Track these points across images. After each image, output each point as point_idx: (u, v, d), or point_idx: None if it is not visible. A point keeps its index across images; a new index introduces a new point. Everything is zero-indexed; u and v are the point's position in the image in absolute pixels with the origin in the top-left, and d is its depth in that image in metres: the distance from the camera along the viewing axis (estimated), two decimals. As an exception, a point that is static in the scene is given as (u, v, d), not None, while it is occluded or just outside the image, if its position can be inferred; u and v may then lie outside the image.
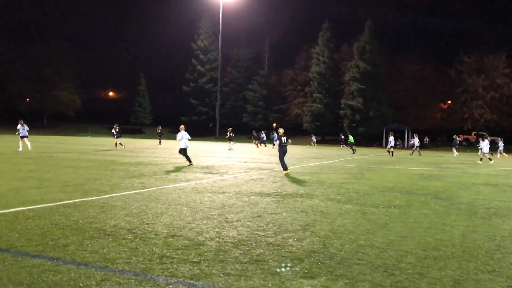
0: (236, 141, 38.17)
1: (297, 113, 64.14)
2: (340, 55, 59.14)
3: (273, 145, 30.68)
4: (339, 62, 58.49)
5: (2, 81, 70.78)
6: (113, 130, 26.97)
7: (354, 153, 28.31)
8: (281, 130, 12.96)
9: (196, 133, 41.55)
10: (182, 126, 15.62)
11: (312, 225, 5.90)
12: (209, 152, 24.60)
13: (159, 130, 32.47)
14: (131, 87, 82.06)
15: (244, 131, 62.42)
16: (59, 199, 7.57)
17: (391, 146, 25.13)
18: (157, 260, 4.33)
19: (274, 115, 66.03)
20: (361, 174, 13.78)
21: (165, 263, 4.24)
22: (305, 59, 65.23)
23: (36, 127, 71.08)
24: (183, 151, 14.87)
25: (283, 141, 12.79)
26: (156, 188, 9.05)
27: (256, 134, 39.14)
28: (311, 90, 60.19)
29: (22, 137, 20.59)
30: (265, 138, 36.72)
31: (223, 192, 8.57)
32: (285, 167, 12.67)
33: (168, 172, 12.45)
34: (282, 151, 12.85)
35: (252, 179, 11.09)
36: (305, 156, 24.24)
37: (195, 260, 4.36)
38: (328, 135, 57.61)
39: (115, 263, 4.21)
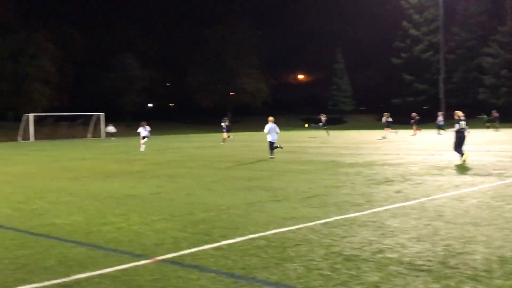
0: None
1: None
2: None
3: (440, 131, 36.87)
4: None
5: (181, 74, 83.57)
6: (222, 123, 32.56)
7: None
8: (459, 113, 15.14)
9: (418, 120, 40.29)
10: (270, 117, 18.66)
11: None
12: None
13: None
14: (325, 67, 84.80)
15: (479, 112, 55.15)
16: (313, 216, 7.77)
17: None
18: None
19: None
20: None
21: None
22: None
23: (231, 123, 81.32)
24: (270, 146, 18.23)
25: (461, 126, 15.06)
26: (424, 199, 9.01)
27: (416, 118, 40.42)
28: None
29: (144, 137, 27.23)
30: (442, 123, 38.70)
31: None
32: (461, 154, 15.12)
33: (419, 174, 12.73)
34: (459, 138, 15.16)
35: None
36: None
37: None
38: None
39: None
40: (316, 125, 41.96)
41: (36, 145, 40.45)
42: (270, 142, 18.69)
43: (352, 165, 15.54)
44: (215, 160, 19.30)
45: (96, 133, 55.95)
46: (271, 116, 19.28)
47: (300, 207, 8.51)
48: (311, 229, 6.91)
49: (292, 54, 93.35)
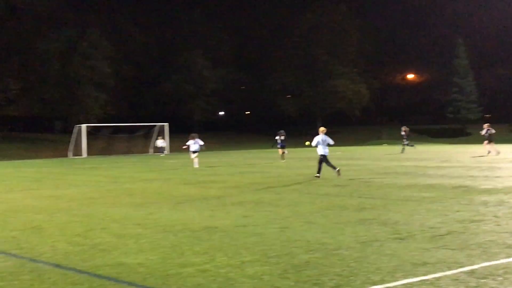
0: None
1: None
2: None
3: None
4: None
5: (259, 74, 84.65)
6: (277, 137, 33.65)
7: None
8: None
9: None
10: (322, 128, 20.76)
11: None
12: None
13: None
14: (443, 64, 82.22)
15: None
16: (453, 261, 7.33)
17: None
18: None
19: None
20: None
21: None
22: None
23: (311, 135, 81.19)
24: (323, 160, 20.22)
25: None
26: None
27: None
28: None
29: (194, 152, 29.53)
30: None
31: None
32: None
33: None
34: None
35: None
36: None
37: None
38: None
39: None
40: (406, 142, 41.16)
41: (90, 162, 42.33)
42: (321, 155, 20.50)
43: (489, 191, 14.96)
44: (309, 182, 19.17)
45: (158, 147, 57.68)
46: (322, 126, 21.27)
47: (432, 248, 8.11)
48: (454, 279, 6.51)
49: (400, 48, 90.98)
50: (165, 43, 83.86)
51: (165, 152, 53.95)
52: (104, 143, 59.68)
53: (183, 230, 10.11)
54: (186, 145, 30.86)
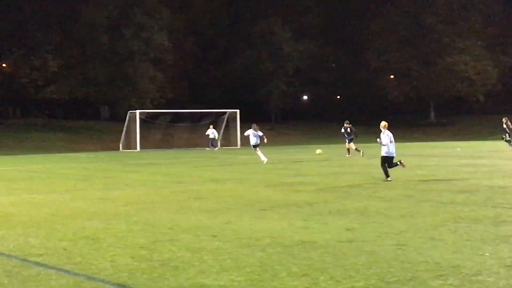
0: None
1: None
2: None
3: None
4: None
5: (354, 49, 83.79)
6: (343, 130, 36.57)
7: None
8: None
9: None
10: (384, 122, 21.04)
11: None
12: None
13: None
14: None
15: None
16: None
17: None
18: None
19: None
20: None
21: None
22: None
23: (423, 126, 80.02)
24: (387, 162, 20.73)
25: None
26: None
27: None
28: None
29: (255, 146, 31.80)
30: None
31: None
32: None
33: None
34: None
35: None
36: None
37: None
38: None
39: None
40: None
41: (145, 156, 43.15)
42: (386, 156, 20.89)
43: None
44: (423, 185, 18.86)
45: (230, 140, 58.10)
46: (384, 121, 21.45)
47: None
48: None
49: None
50: (236, 11, 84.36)
51: (217, 145, 54.03)
52: (161, 134, 60.79)
53: (272, 245, 10.05)
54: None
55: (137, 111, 56.12)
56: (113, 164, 35.35)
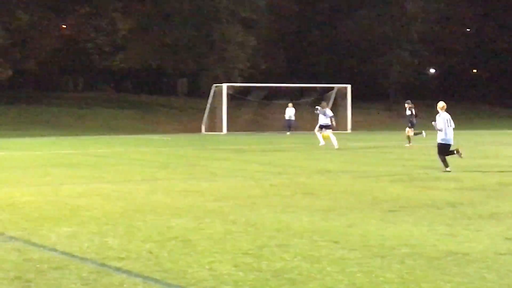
0: None
1: None
2: None
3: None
4: None
5: (502, 9, 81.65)
6: (407, 111, 37.73)
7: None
8: None
9: None
10: (442, 103, 22.63)
11: None
12: None
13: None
14: None
15: None
16: None
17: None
18: None
19: None
20: None
21: None
22: None
23: None
24: (443, 150, 22.14)
25: None
26: None
27: None
28: None
29: (323, 127, 34.10)
30: None
31: None
32: None
33: None
34: None
35: None
36: None
37: None
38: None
39: None
40: None
41: (234, 141, 43.47)
42: (442, 144, 22.26)
43: None
44: None
45: (339, 122, 57.59)
46: (442, 101, 22.99)
47: None
48: None
49: None
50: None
51: (291, 128, 53.81)
52: (252, 113, 60.84)
53: (412, 256, 9.82)
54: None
55: (224, 85, 56.40)
56: (196, 150, 35.75)
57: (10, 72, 64.32)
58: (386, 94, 78.96)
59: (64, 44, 70.68)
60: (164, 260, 9.55)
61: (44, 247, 10.39)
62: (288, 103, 55.25)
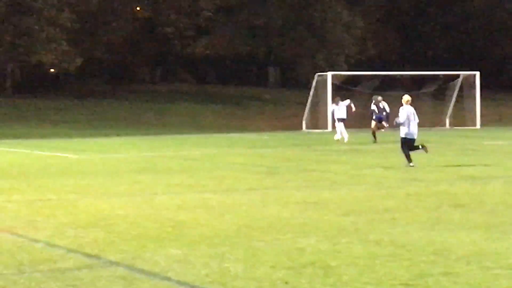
0: None
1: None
2: None
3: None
4: None
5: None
6: (373, 105, 41.22)
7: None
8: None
9: None
10: (406, 97, 25.56)
11: None
12: None
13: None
14: None
15: None
16: None
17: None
18: None
19: None
20: None
21: None
22: None
23: None
24: (406, 145, 24.97)
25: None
26: None
27: None
28: None
29: (339, 120, 38.77)
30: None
31: None
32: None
33: None
34: None
35: None
36: None
37: None
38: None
39: None
40: None
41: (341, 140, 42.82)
42: (404, 138, 25.13)
43: None
44: None
45: (465, 116, 56.79)
46: (406, 94, 25.82)
47: None
48: None
49: None
50: None
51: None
52: (361, 107, 60.17)
53: None
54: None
55: (329, 74, 55.87)
56: (303, 151, 35.47)
57: (78, 62, 64.58)
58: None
59: (139, 28, 71.10)
60: (306, 293, 9.06)
61: (154, 274, 10.03)
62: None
